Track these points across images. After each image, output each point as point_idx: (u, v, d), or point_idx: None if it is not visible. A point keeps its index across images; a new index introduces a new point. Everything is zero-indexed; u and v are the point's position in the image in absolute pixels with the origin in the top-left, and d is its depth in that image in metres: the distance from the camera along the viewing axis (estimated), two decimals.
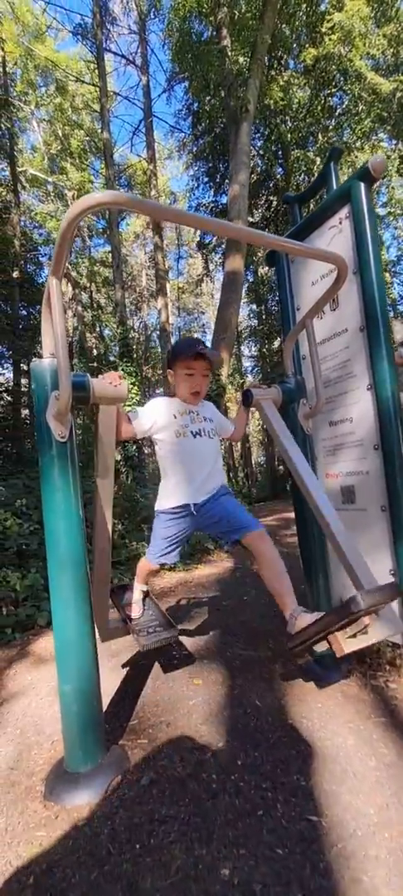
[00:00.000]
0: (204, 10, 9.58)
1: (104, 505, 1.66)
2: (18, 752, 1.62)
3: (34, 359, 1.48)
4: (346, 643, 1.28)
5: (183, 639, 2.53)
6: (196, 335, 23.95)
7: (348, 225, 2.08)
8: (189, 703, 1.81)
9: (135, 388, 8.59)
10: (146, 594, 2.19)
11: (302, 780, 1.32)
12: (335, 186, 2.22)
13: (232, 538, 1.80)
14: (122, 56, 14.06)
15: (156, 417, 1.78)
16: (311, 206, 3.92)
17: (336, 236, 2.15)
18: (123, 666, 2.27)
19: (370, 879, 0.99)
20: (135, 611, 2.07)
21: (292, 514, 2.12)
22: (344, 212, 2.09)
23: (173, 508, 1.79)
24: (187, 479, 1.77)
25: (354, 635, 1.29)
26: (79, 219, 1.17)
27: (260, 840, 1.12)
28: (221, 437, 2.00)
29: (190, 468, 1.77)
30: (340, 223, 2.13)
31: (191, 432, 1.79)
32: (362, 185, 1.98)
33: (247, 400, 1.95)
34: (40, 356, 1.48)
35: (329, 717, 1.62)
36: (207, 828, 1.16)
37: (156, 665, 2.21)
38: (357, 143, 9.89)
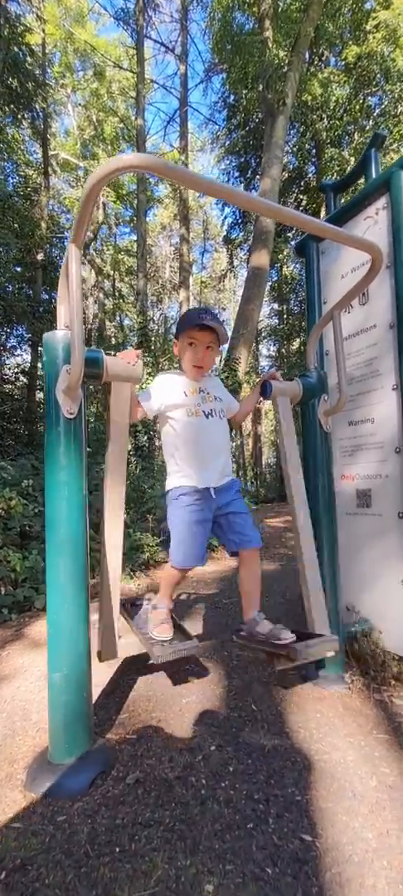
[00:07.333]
0: (247, 0, 9.41)
1: (115, 495, 1.53)
2: (2, 736, 1.56)
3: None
4: (279, 664, 1.55)
5: (178, 635, 2.45)
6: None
7: (385, 216, 1.96)
8: (182, 702, 1.74)
9: (151, 378, 8.54)
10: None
11: (297, 794, 1.23)
12: (374, 175, 2.10)
13: (234, 548, 1.72)
14: (162, 44, 13.93)
15: (164, 395, 1.68)
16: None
17: (371, 227, 2.03)
18: (119, 657, 2.20)
19: None
20: (165, 631, 1.66)
21: None
22: (382, 202, 1.98)
23: (193, 488, 1.64)
24: (202, 461, 1.66)
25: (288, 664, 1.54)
26: (107, 181, 1.11)
27: (250, 856, 1.03)
28: (227, 415, 1.87)
29: (204, 450, 1.66)
30: (376, 214, 2.01)
31: (204, 412, 1.68)
32: None
33: (265, 392, 1.86)
34: None
35: (328, 728, 1.53)
36: (193, 837, 1.08)
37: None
38: (394, 146, 9.61)
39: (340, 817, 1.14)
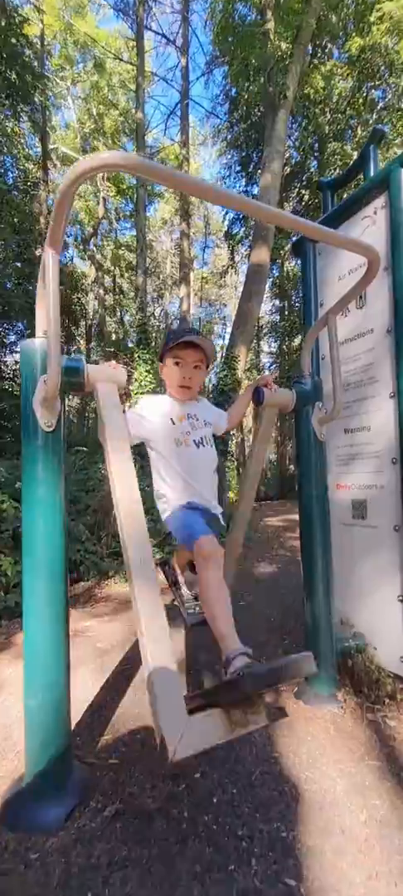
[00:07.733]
0: None
1: (129, 511, 1.24)
2: None
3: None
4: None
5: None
6: (216, 327, 23.58)
7: (383, 216, 1.88)
8: None
9: (150, 375, 8.44)
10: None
11: (283, 829, 1.17)
12: (373, 172, 2.02)
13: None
14: (163, 35, 13.71)
15: (149, 421, 1.52)
16: None
17: (369, 228, 1.95)
18: (108, 668, 2.15)
19: None
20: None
21: (297, 517, 1.95)
22: (381, 201, 1.90)
23: (191, 503, 1.50)
24: (193, 494, 1.52)
25: None
26: (81, 181, 1.04)
27: None
28: (215, 433, 1.75)
29: (195, 482, 1.51)
30: (374, 213, 1.93)
31: (194, 441, 1.54)
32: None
33: (258, 399, 1.78)
34: None
35: (318, 753, 1.47)
36: (170, 880, 1.02)
37: (141, 672, 2.08)
38: (397, 140, 9.45)
39: (327, 857, 1.08)
